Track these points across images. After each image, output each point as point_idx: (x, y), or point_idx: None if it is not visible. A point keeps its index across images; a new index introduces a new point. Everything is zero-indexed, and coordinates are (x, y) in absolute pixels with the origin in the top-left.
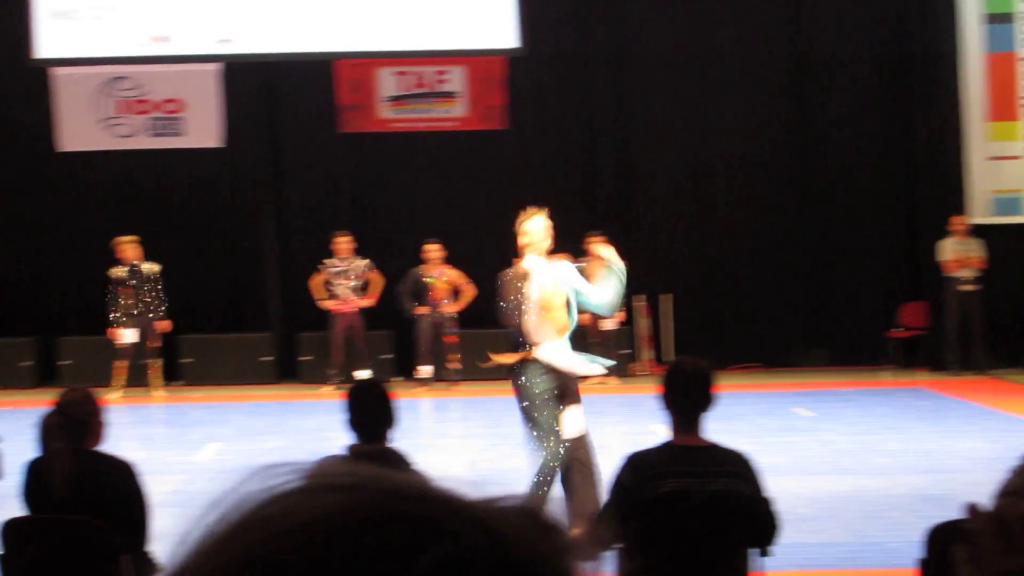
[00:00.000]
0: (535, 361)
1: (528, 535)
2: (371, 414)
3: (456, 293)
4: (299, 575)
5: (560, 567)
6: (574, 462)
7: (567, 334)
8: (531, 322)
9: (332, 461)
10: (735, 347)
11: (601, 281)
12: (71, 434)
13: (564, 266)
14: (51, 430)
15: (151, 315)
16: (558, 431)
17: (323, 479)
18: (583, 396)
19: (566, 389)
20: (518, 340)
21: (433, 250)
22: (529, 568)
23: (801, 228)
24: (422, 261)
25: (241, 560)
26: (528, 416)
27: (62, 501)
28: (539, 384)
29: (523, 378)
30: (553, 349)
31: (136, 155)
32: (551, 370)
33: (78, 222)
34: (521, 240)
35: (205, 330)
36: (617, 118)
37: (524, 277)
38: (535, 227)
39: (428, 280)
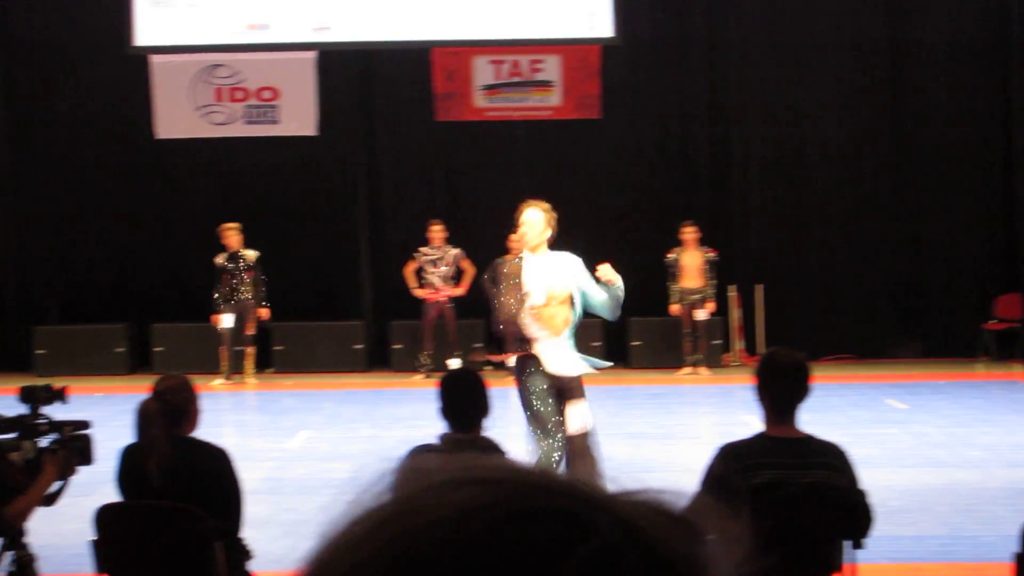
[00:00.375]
0: (531, 357)
1: (669, 533)
2: (465, 402)
3: None
4: (446, 568)
5: (699, 566)
6: (578, 457)
7: (567, 331)
8: (527, 319)
9: (472, 455)
10: (827, 338)
11: (601, 292)
12: (168, 420)
13: (570, 260)
14: (149, 416)
15: (249, 302)
16: (554, 427)
17: (467, 472)
18: (676, 387)
19: (567, 385)
20: (513, 336)
21: (515, 240)
22: (671, 567)
23: (895, 217)
24: (507, 251)
25: (386, 552)
26: (526, 411)
27: (157, 487)
28: (536, 381)
29: (521, 375)
30: (546, 348)
31: (231, 142)
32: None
33: (172, 209)
34: (519, 232)
35: (297, 318)
36: (712, 106)
37: (519, 271)
38: (534, 219)
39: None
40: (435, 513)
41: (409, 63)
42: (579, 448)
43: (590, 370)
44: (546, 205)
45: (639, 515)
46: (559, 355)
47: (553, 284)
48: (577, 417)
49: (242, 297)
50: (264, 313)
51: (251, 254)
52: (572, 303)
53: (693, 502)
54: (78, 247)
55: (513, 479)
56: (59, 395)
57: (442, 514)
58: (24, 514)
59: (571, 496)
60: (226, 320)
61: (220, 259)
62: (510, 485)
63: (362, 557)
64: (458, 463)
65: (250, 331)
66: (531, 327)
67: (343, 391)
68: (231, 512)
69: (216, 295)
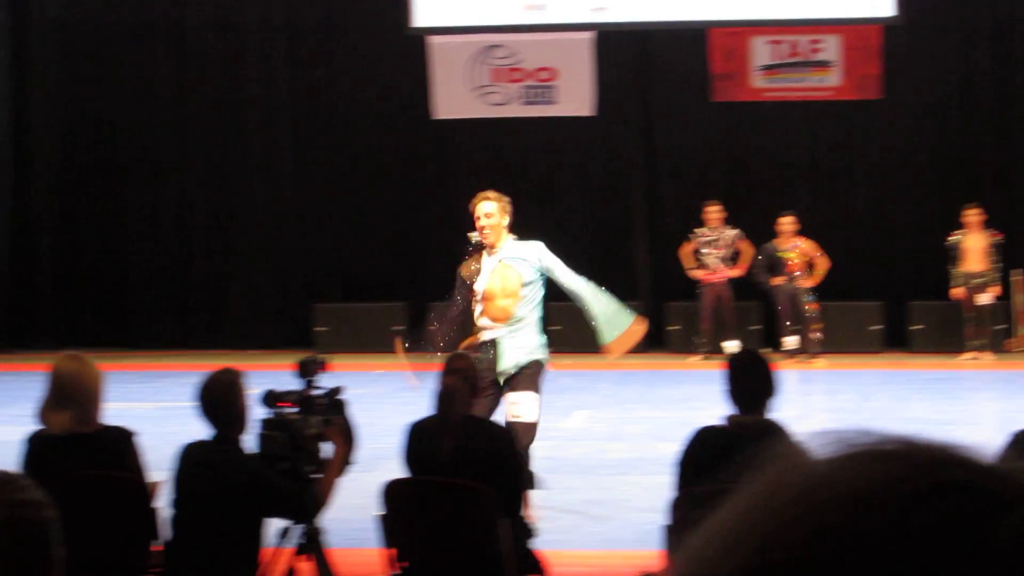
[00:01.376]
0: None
1: None
2: (752, 385)
3: (811, 266)
4: (870, 541)
5: None
6: None
7: (511, 321)
8: (476, 310)
9: (869, 430)
10: None
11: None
12: (467, 398)
13: (531, 247)
14: (453, 394)
15: None
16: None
17: (872, 447)
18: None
19: (518, 375)
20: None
21: (787, 223)
22: None
23: None
24: (776, 235)
25: (805, 521)
26: None
27: (446, 465)
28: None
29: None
30: (484, 338)
31: (508, 123)
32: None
33: (450, 190)
34: (479, 224)
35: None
36: (996, 88)
37: (475, 264)
38: (490, 209)
39: (781, 254)
40: (849, 486)
41: (686, 44)
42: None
43: (527, 360)
44: (495, 193)
45: None
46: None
47: (500, 276)
48: (513, 406)
49: None
50: None
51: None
52: (529, 291)
53: None
54: (358, 226)
55: (917, 452)
56: (323, 365)
57: (857, 486)
58: (331, 491)
59: (975, 470)
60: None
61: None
62: (916, 459)
63: (780, 525)
64: (857, 438)
65: None
66: (477, 319)
67: (620, 372)
68: (514, 490)
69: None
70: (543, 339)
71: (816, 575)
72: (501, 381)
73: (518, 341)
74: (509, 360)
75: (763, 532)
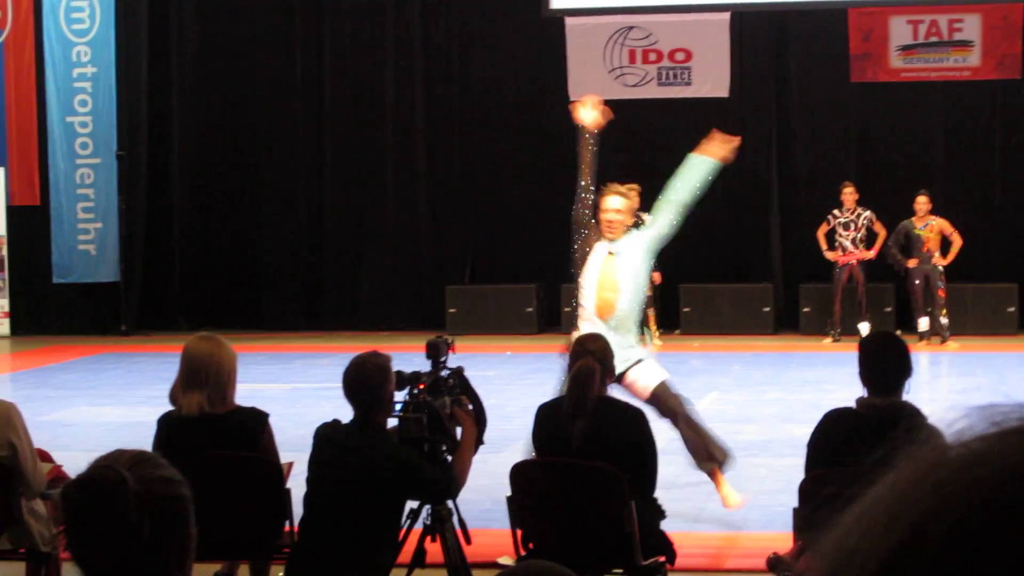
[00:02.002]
0: None
1: None
2: (885, 366)
3: (945, 244)
4: None
5: None
6: (673, 419)
7: (614, 317)
8: (581, 298)
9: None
10: None
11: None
12: (601, 379)
13: (634, 234)
14: (589, 376)
15: None
16: None
17: None
18: None
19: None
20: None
21: (922, 201)
22: None
23: None
24: (913, 213)
25: (963, 499)
26: None
27: (577, 446)
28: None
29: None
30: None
31: (644, 104)
32: None
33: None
34: (605, 217)
35: (705, 279)
36: None
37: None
38: (619, 205)
39: (918, 232)
40: (1011, 460)
41: (824, 24)
42: (660, 402)
43: (635, 359)
44: (625, 189)
45: None
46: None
47: (597, 272)
48: (639, 381)
49: None
50: (656, 277)
51: (646, 216)
52: (629, 289)
53: None
54: (491, 208)
55: None
56: (451, 346)
57: (1020, 461)
58: (467, 471)
59: None
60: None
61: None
62: None
63: (939, 500)
64: (1016, 413)
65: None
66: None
67: (751, 354)
68: (645, 473)
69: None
70: (639, 336)
71: (978, 549)
72: None
73: (621, 340)
74: (619, 363)
75: (922, 508)
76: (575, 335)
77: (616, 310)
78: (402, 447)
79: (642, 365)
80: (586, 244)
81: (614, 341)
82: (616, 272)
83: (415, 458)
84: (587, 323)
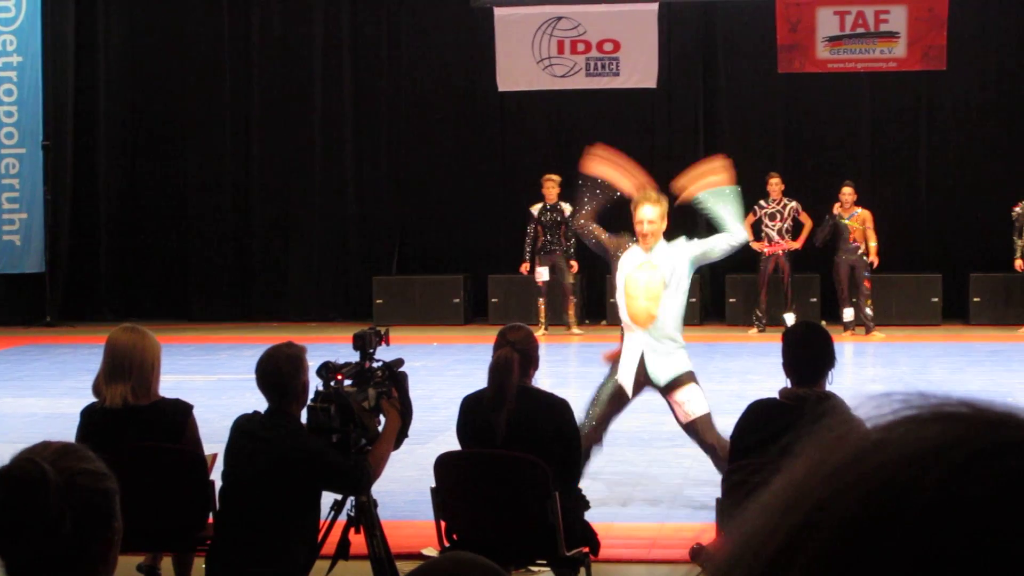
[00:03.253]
0: (615, 361)
1: None
2: (808, 357)
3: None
4: (931, 501)
5: None
6: (701, 443)
7: (654, 326)
8: (619, 305)
9: (928, 392)
10: None
11: (724, 213)
12: (522, 370)
13: (677, 245)
14: (508, 366)
15: (560, 253)
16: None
17: (932, 408)
18: None
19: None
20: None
21: (847, 192)
22: None
23: None
24: (839, 204)
25: (863, 484)
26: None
27: (502, 437)
28: (602, 390)
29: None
30: (631, 348)
31: (571, 95)
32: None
33: (512, 161)
34: (640, 228)
35: None
36: None
37: (627, 245)
38: (652, 216)
39: (845, 222)
40: (908, 447)
41: (752, 15)
42: (700, 433)
43: (677, 374)
44: (656, 195)
45: None
46: (646, 358)
47: (631, 279)
48: (686, 405)
49: (553, 248)
50: (574, 266)
51: (567, 207)
52: (666, 296)
53: None
54: (419, 198)
55: (979, 413)
56: (384, 337)
57: (917, 447)
58: (383, 463)
59: None
60: (542, 272)
61: (535, 209)
62: (974, 420)
63: (835, 487)
64: (915, 400)
65: (568, 281)
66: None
67: None
68: (570, 462)
69: (528, 246)
70: (685, 347)
71: (872, 533)
72: (632, 387)
73: (661, 347)
74: (662, 373)
75: (818, 496)
76: (620, 345)
77: (656, 318)
78: (311, 437)
79: (694, 390)
80: (616, 245)
81: (656, 349)
82: (653, 281)
83: (323, 448)
84: (627, 331)
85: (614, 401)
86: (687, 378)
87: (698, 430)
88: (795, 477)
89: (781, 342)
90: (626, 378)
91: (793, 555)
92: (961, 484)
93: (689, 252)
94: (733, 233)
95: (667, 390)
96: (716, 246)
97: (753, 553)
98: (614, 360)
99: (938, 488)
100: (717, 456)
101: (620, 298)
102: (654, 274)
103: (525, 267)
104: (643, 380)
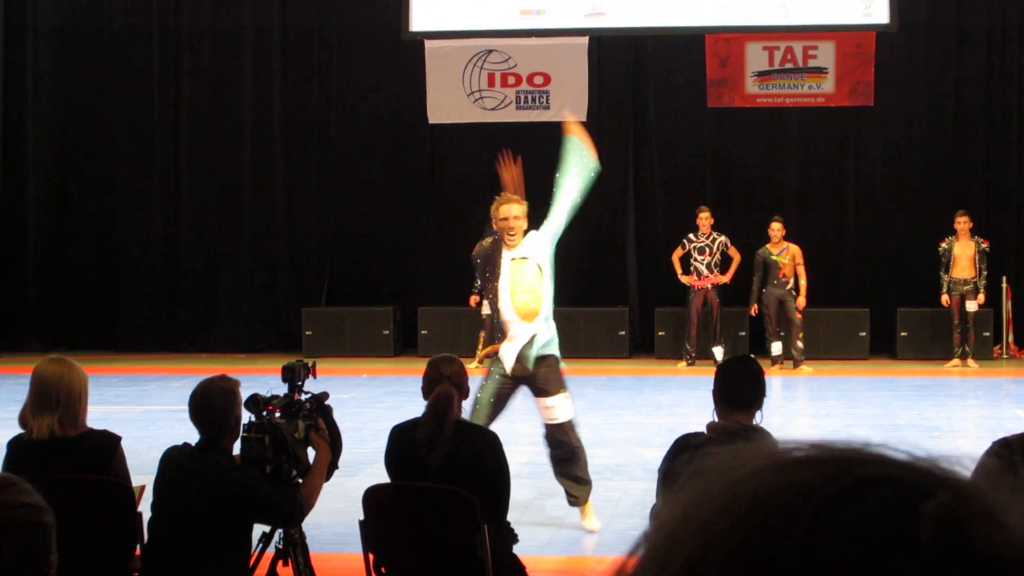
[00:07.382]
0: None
1: (990, 503)
2: (738, 390)
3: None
4: (798, 547)
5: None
6: (553, 449)
7: (539, 318)
8: (500, 306)
9: (787, 440)
10: None
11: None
12: (457, 403)
13: (532, 235)
14: (448, 400)
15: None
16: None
17: (779, 456)
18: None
19: (535, 380)
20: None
21: (776, 228)
22: (999, 514)
23: None
24: (768, 239)
25: (726, 538)
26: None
27: (434, 470)
28: (486, 389)
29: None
30: (511, 342)
31: (502, 127)
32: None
33: (441, 194)
34: (506, 224)
35: (561, 302)
36: (988, 96)
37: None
38: (517, 212)
39: (775, 258)
40: (771, 498)
41: (681, 49)
42: (553, 440)
43: (552, 353)
44: (518, 197)
45: (965, 483)
46: (527, 345)
47: (522, 271)
48: (549, 410)
49: None
50: (472, 300)
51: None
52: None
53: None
54: (348, 230)
55: (832, 455)
56: (311, 370)
57: (780, 497)
58: (315, 495)
59: (894, 464)
60: (488, 304)
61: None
62: (831, 461)
63: (704, 541)
64: (762, 449)
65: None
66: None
67: (606, 377)
68: (499, 496)
69: (478, 278)
70: (556, 334)
71: None
72: (512, 374)
73: (548, 331)
74: (534, 351)
75: (688, 552)
76: (503, 345)
77: (540, 308)
78: (243, 469)
79: (564, 399)
80: (489, 263)
81: (544, 335)
82: (527, 274)
83: (254, 480)
84: (516, 327)
85: (499, 402)
86: (556, 378)
87: (566, 432)
88: (668, 527)
89: (714, 375)
90: (508, 365)
91: None
92: (826, 525)
93: (547, 234)
94: (563, 201)
95: (538, 388)
96: (557, 220)
97: None
98: (493, 356)
99: (804, 535)
100: (577, 459)
101: (506, 300)
102: (527, 266)
103: (474, 299)
104: (522, 369)
